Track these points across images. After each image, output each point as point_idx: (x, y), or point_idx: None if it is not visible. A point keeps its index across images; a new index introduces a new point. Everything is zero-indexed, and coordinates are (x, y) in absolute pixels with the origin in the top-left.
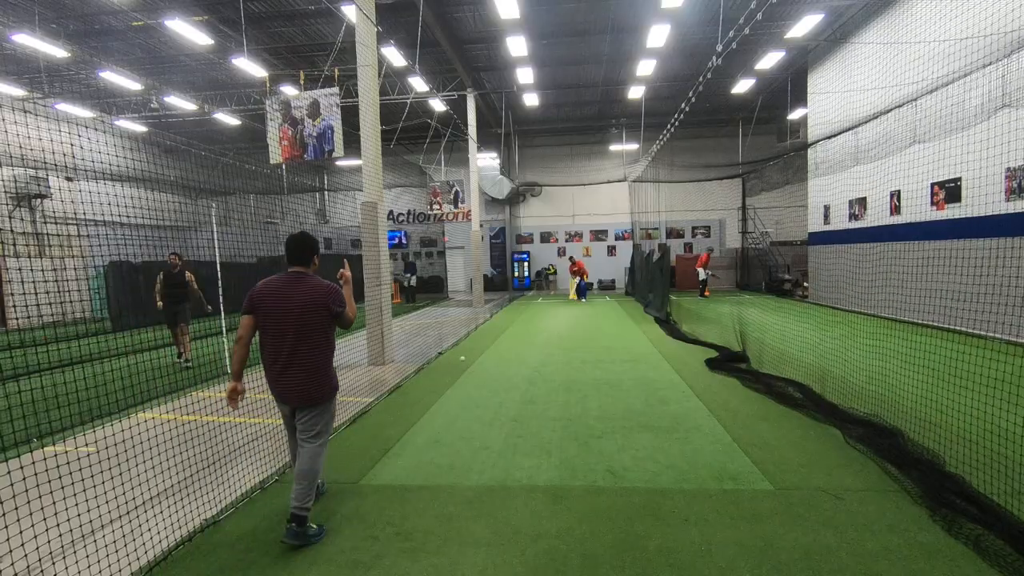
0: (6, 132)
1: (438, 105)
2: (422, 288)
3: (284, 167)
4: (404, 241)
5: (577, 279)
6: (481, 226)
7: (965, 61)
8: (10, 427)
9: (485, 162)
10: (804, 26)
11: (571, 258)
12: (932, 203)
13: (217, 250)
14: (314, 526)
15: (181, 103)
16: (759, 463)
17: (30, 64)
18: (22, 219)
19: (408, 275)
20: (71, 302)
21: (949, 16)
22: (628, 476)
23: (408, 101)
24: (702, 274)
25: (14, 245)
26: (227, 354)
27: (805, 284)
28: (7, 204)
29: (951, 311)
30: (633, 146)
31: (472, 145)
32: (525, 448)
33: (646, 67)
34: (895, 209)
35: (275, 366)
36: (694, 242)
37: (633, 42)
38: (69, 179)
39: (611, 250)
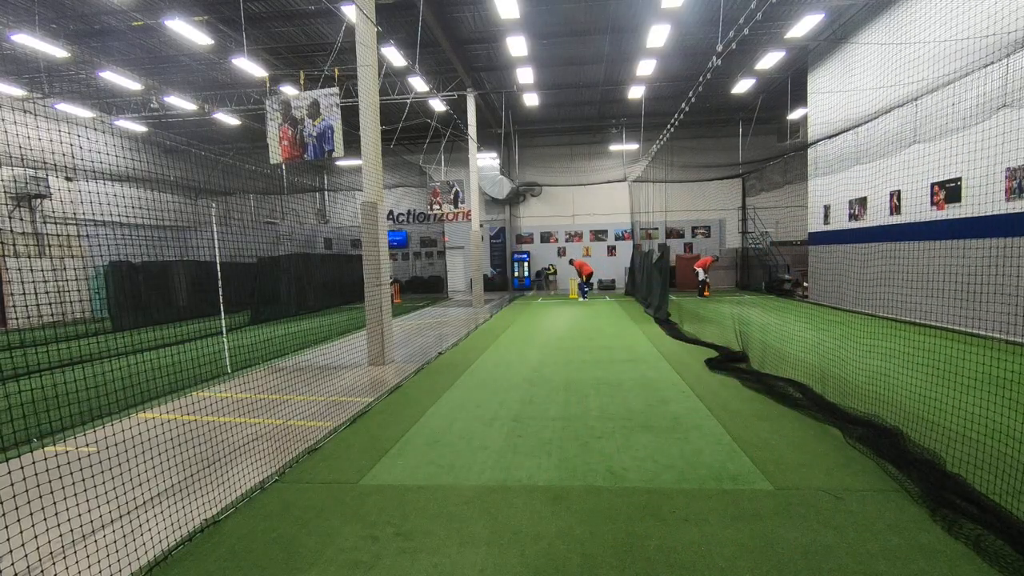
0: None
1: (438, 105)
2: (421, 288)
3: (284, 167)
4: (401, 241)
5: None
6: (481, 226)
7: (965, 61)
8: (10, 427)
9: (485, 162)
10: (804, 26)
11: (570, 261)
12: (932, 203)
13: (217, 250)
14: None
15: (181, 103)
16: (759, 463)
17: (30, 64)
18: (22, 219)
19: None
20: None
21: (949, 16)
22: (628, 476)
23: (408, 101)
24: (701, 274)
25: (14, 245)
26: (228, 353)
27: (805, 284)
28: (7, 204)
29: (951, 311)
30: (633, 146)
31: (472, 145)
32: (525, 448)
33: (646, 67)
34: (895, 209)
35: None
36: (694, 242)
37: (633, 42)
38: (69, 179)
39: (611, 250)
